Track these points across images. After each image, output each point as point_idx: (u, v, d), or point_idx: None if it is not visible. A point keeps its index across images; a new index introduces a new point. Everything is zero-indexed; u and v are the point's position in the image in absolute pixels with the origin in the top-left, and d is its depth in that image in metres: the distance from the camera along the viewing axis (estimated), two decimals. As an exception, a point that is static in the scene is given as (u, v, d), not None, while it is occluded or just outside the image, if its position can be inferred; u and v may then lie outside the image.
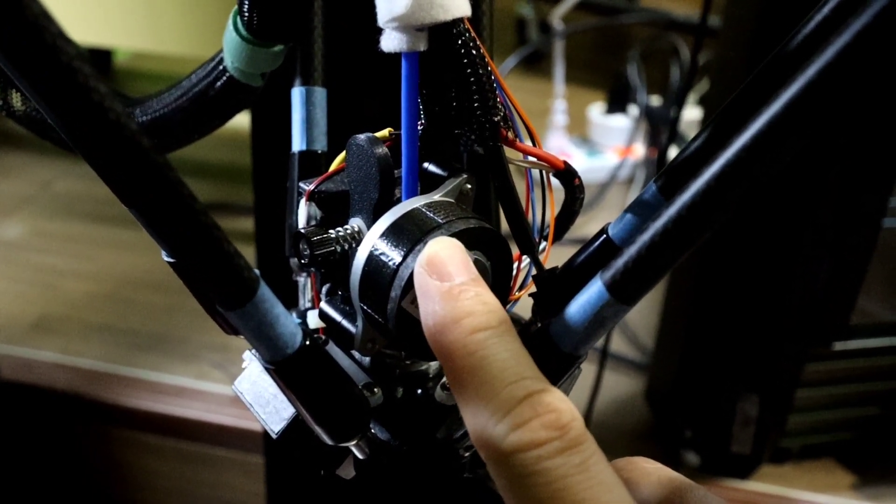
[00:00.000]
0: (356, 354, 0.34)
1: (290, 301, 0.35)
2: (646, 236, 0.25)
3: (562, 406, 0.23)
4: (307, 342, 0.28)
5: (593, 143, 1.50)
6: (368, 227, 0.30)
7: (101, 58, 1.66)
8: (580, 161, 1.45)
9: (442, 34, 0.28)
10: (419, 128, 0.31)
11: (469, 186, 0.31)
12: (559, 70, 1.44)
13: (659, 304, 0.99)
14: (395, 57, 0.28)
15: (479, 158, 0.30)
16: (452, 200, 0.30)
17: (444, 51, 0.28)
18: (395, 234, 0.28)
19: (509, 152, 0.30)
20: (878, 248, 0.80)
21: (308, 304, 0.36)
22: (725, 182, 0.23)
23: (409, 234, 0.28)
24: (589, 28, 1.79)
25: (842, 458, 0.96)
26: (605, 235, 0.32)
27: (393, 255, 0.28)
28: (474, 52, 0.28)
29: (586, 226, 1.29)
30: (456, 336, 0.24)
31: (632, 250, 0.25)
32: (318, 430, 0.30)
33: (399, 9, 0.26)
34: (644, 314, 1.12)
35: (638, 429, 1.01)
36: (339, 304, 0.32)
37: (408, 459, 0.33)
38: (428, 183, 0.31)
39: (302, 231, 0.30)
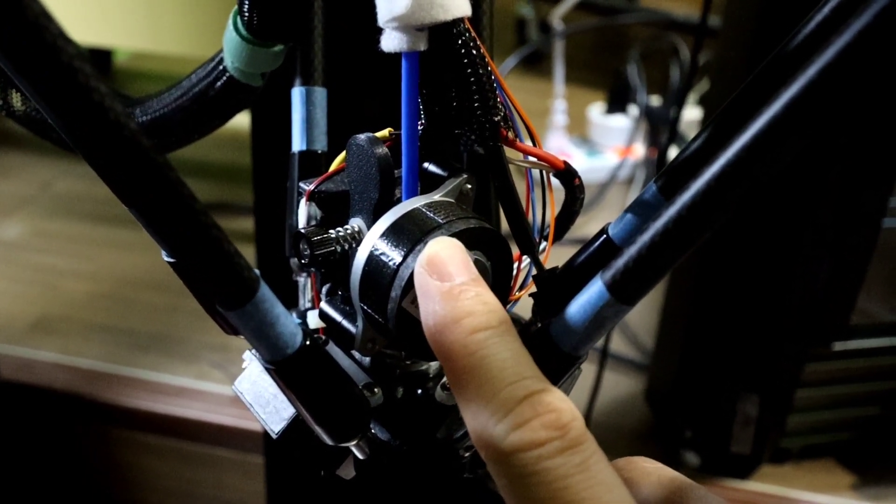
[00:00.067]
0: (356, 354, 0.34)
1: (290, 301, 0.35)
2: (646, 236, 0.25)
3: (562, 406, 0.23)
4: (307, 342, 0.28)
5: (593, 143, 1.50)
6: (368, 227, 0.30)
7: (101, 58, 1.66)
8: (580, 161, 1.45)
9: (442, 34, 0.28)
10: (419, 128, 0.31)
11: (469, 186, 0.31)
12: (559, 70, 1.44)
13: (659, 304, 0.99)
14: (395, 57, 0.28)
15: (479, 158, 0.30)
16: (452, 200, 0.30)
17: (445, 51, 0.28)
18: (395, 234, 0.28)
19: (509, 152, 0.30)
20: (878, 248, 0.80)
21: (308, 304, 0.36)
22: (726, 182, 0.23)
23: (410, 234, 0.28)
24: (589, 28, 1.79)
25: (842, 459, 0.96)
26: (605, 235, 0.32)
27: (393, 255, 0.28)
28: (474, 51, 0.28)
29: (586, 226, 1.29)
30: (456, 336, 0.24)
31: (632, 250, 0.25)
32: (318, 430, 0.30)
33: (399, 9, 0.26)
34: (644, 314, 1.12)
35: (638, 429, 1.01)
36: (339, 304, 0.32)
37: (408, 459, 0.33)
38: (428, 183, 0.31)
39: (302, 231, 0.30)
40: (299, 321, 0.34)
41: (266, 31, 0.39)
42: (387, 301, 0.28)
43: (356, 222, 0.31)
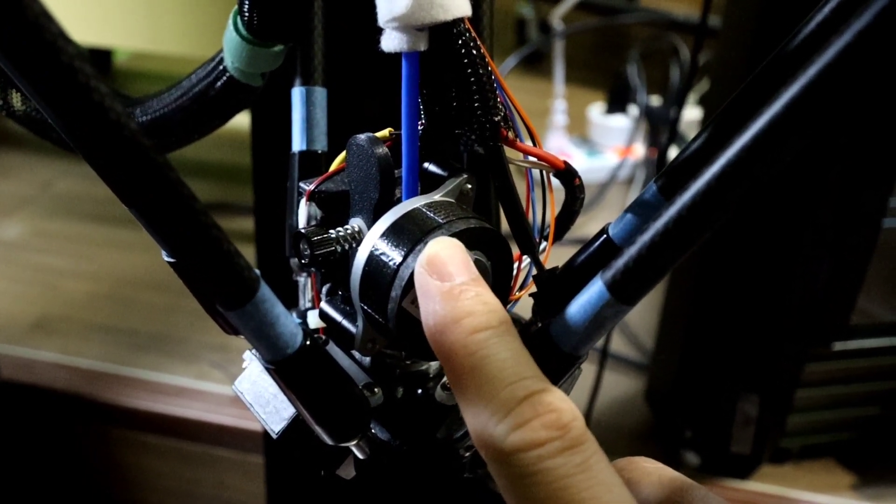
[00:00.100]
0: (356, 354, 0.34)
1: (291, 301, 0.35)
2: (646, 236, 0.25)
3: (562, 406, 0.23)
4: (307, 342, 0.28)
5: (593, 143, 1.50)
6: (369, 227, 0.30)
7: (101, 58, 1.66)
8: (580, 161, 1.45)
9: (442, 34, 0.28)
10: (419, 128, 0.31)
11: (469, 186, 0.31)
12: (559, 70, 1.44)
13: (659, 304, 0.99)
14: (395, 57, 0.28)
15: (479, 158, 0.30)
16: (453, 200, 0.30)
17: (445, 51, 0.28)
18: (395, 234, 0.28)
19: (509, 152, 0.30)
20: (879, 248, 0.80)
21: (308, 304, 0.36)
22: (726, 182, 0.23)
23: (410, 234, 0.28)
24: (589, 28, 1.79)
25: (842, 458, 0.96)
26: (605, 235, 0.32)
27: (393, 255, 0.28)
28: (475, 51, 0.28)
29: (586, 226, 1.29)
30: (456, 336, 0.24)
31: (632, 250, 0.25)
32: (318, 430, 0.30)
33: (399, 9, 0.26)
34: (644, 314, 1.12)
35: (638, 429, 1.01)
36: (339, 304, 0.32)
37: (408, 459, 0.33)
38: (428, 183, 0.31)
39: (302, 231, 0.30)
40: (299, 321, 0.34)
41: (266, 31, 0.39)
42: (387, 301, 0.28)
43: (356, 222, 0.31)
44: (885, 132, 0.74)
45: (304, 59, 0.40)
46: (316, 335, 0.33)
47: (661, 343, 0.99)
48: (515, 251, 0.31)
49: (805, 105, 0.22)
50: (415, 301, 0.27)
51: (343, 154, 0.32)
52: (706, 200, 0.24)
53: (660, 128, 1.44)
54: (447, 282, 0.25)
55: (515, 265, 0.32)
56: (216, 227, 0.24)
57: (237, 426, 0.98)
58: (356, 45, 0.38)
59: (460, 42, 0.28)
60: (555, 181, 0.32)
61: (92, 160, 0.22)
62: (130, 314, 1.15)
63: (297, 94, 0.40)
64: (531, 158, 0.31)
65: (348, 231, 0.30)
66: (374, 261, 0.28)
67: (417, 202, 0.29)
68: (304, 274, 0.36)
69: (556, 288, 0.31)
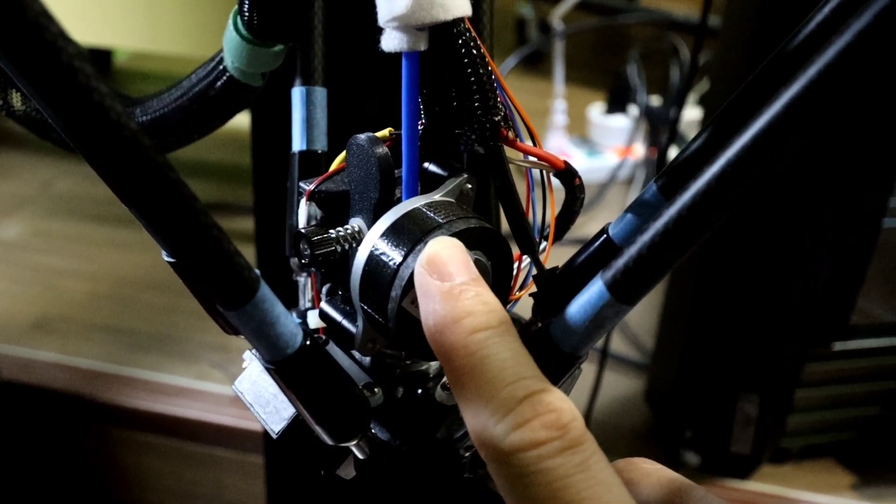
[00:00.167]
0: (356, 354, 0.34)
1: (291, 301, 0.35)
2: (646, 236, 0.25)
3: (562, 406, 0.23)
4: (307, 342, 0.28)
5: (593, 143, 1.50)
6: (369, 227, 0.30)
7: (101, 58, 1.66)
8: (580, 161, 1.45)
9: (442, 34, 0.28)
10: (419, 127, 0.31)
11: (469, 186, 0.31)
12: (559, 70, 1.44)
13: (659, 304, 0.99)
14: (395, 57, 0.28)
15: (479, 158, 0.30)
16: (453, 200, 0.30)
17: (445, 50, 0.28)
18: (395, 233, 0.28)
19: (510, 152, 0.30)
20: (879, 248, 0.80)
21: (308, 304, 0.36)
22: (726, 182, 0.23)
23: (410, 233, 0.28)
24: (589, 28, 1.79)
25: (842, 459, 0.96)
26: (605, 235, 0.32)
27: (393, 255, 0.28)
28: (475, 51, 0.28)
29: (586, 226, 1.29)
30: (456, 336, 0.24)
31: (632, 250, 0.25)
32: (318, 430, 0.30)
33: (399, 8, 0.26)
34: (644, 314, 1.12)
35: (638, 429, 1.01)
36: (339, 304, 0.32)
37: (408, 459, 0.33)
38: (428, 183, 0.31)
39: (302, 231, 0.30)
40: (299, 321, 0.34)
41: (266, 31, 0.39)
42: (387, 301, 0.28)
43: (356, 222, 0.31)
44: (886, 132, 0.74)
45: (304, 59, 0.40)
46: (316, 335, 0.33)
47: (661, 343, 0.99)
48: (515, 251, 0.31)
49: (805, 105, 0.22)
50: (415, 301, 0.27)
51: (343, 154, 0.32)
52: (706, 200, 0.24)
53: (660, 128, 1.44)
54: (447, 281, 0.25)
55: (515, 265, 0.32)
56: (216, 227, 0.24)
57: (237, 426, 0.98)
58: (356, 45, 0.38)
59: (460, 42, 0.28)
60: (555, 181, 0.32)
61: (92, 160, 0.22)
62: (130, 314, 1.15)
63: (297, 93, 0.40)
64: (531, 158, 0.31)
65: (348, 231, 0.30)
66: (374, 261, 0.28)
67: (417, 202, 0.29)
68: (304, 274, 0.36)
69: (556, 288, 0.31)
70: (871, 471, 0.95)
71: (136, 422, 1.01)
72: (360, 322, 0.30)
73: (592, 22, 1.78)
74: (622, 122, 1.47)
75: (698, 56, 0.83)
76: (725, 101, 0.31)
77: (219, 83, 0.42)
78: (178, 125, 0.44)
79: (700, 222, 0.24)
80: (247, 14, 0.39)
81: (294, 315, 0.34)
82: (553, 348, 0.27)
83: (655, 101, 1.48)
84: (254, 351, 0.31)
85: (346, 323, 0.31)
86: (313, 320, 0.34)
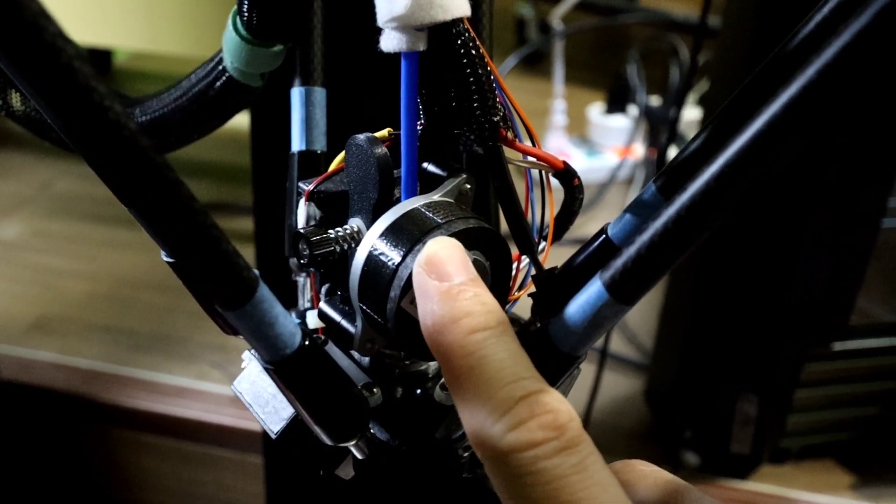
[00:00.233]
0: (355, 354, 0.34)
1: (290, 301, 0.35)
2: (645, 236, 0.25)
3: (559, 406, 0.23)
4: (306, 342, 0.28)
5: (593, 143, 1.50)
6: (368, 227, 0.30)
7: (100, 58, 1.66)
8: (580, 161, 1.45)
9: (441, 34, 0.28)
10: (419, 128, 0.31)
11: (468, 186, 0.31)
12: (559, 70, 1.44)
13: (658, 304, 0.99)
14: (394, 57, 0.28)
15: (478, 158, 0.30)
16: (452, 200, 0.30)
17: (444, 51, 0.28)
18: (394, 234, 0.28)
19: (509, 152, 0.30)
20: (878, 248, 0.80)
21: (307, 304, 0.36)
22: (725, 182, 0.23)
23: (409, 234, 0.28)
24: (589, 28, 1.79)
25: (841, 459, 0.96)
26: (604, 235, 0.32)
27: (392, 255, 0.28)
28: (474, 52, 0.28)
29: (586, 226, 1.29)
30: (454, 336, 0.24)
31: (631, 250, 0.25)
32: (317, 430, 0.30)
33: (399, 9, 0.26)
34: (643, 314, 1.12)
35: (637, 429, 1.01)
36: (338, 304, 0.32)
37: (407, 459, 0.33)
38: (427, 183, 0.31)
39: (301, 231, 0.30)
40: (298, 321, 0.34)
41: (265, 31, 0.39)
42: (386, 301, 0.28)
43: (355, 222, 0.31)
44: (884, 132, 0.74)
45: (304, 60, 0.40)
46: (315, 335, 0.33)
47: (660, 343, 0.99)
48: (514, 251, 0.31)
49: (804, 105, 0.22)
50: (413, 301, 0.27)
51: (342, 154, 0.32)
52: (705, 200, 0.24)
53: (659, 128, 1.44)
54: (445, 282, 0.25)
55: (514, 265, 0.32)
56: (215, 227, 0.24)
57: (237, 426, 0.98)
58: (355, 45, 0.38)
59: (459, 42, 0.28)
60: (554, 181, 0.32)
61: (91, 160, 0.22)
62: (130, 314, 1.15)
63: (296, 94, 0.40)
64: (530, 158, 0.31)
65: (347, 231, 0.30)
66: (372, 261, 0.28)
67: (416, 202, 0.29)
68: (304, 274, 0.36)
69: (555, 288, 0.31)
70: (871, 471, 0.95)
71: (136, 422, 1.01)
72: (358, 322, 0.30)
73: (592, 22, 1.78)
74: (622, 122, 1.47)
75: (698, 56, 0.83)
76: (725, 101, 0.31)
77: (218, 83, 0.42)
78: (178, 125, 0.44)
79: (699, 222, 0.24)
80: (246, 14, 0.39)
81: (293, 315, 0.34)
82: (552, 348, 0.27)
83: (655, 101, 1.48)
84: (253, 351, 0.31)
85: (344, 323, 0.31)
86: (312, 320, 0.34)
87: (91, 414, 1.02)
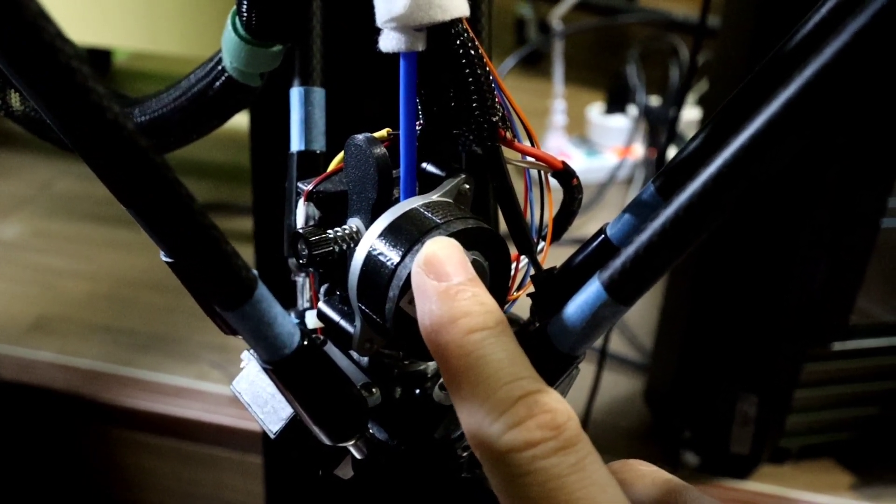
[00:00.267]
0: (354, 354, 0.34)
1: (289, 301, 0.35)
2: (643, 236, 0.25)
3: (557, 406, 0.23)
4: (305, 342, 0.28)
5: (592, 144, 1.50)
6: (367, 227, 0.30)
7: (100, 58, 1.66)
8: (579, 161, 1.45)
9: (440, 34, 0.28)
10: (417, 128, 0.31)
11: (467, 186, 0.31)
12: (558, 70, 1.44)
13: (658, 304, 0.99)
14: (393, 57, 0.28)
15: (477, 158, 0.30)
16: (451, 200, 0.30)
17: (443, 51, 0.28)
18: (393, 234, 0.28)
19: (507, 152, 0.30)
20: (878, 248, 0.80)
21: (306, 304, 0.36)
22: (723, 182, 0.23)
23: (408, 234, 0.28)
24: (588, 28, 1.79)
25: (841, 459, 0.96)
26: (603, 235, 0.32)
27: (391, 255, 0.28)
28: (472, 52, 0.28)
29: (586, 226, 1.29)
30: (452, 336, 0.24)
31: (629, 250, 0.25)
32: (316, 430, 0.30)
33: (397, 9, 0.27)
34: (643, 314, 1.12)
35: (637, 429, 1.01)
36: (337, 305, 0.32)
37: (406, 459, 0.33)
38: (426, 183, 0.31)
39: (300, 231, 0.30)
40: (297, 321, 0.34)
41: (264, 32, 0.39)
42: (384, 301, 0.28)
43: (354, 222, 0.31)
44: (884, 132, 0.74)
45: (303, 60, 0.40)
46: (314, 335, 0.33)
47: (660, 343, 0.99)
48: (513, 251, 0.31)
49: (802, 105, 0.22)
50: (412, 301, 0.27)
51: (341, 154, 0.32)
52: (703, 200, 0.24)
53: (659, 128, 1.44)
54: (444, 282, 0.25)
55: (513, 265, 0.32)
56: (214, 228, 0.24)
57: (236, 426, 0.98)
58: (355, 46, 0.38)
59: (458, 42, 0.28)
60: (553, 181, 0.32)
61: (90, 160, 0.22)
62: (130, 314, 1.15)
63: (295, 94, 0.40)
64: (529, 158, 0.31)
65: (346, 231, 0.30)
66: (371, 261, 0.28)
67: (415, 202, 0.29)
68: (303, 274, 0.36)
69: (554, 288, 0.31)
70: (870, 471, 0.95)
71: (136, 422, 1.01)
72: (357, 322, 0.30)
73: (592, 22, 1.78)
74: (621, 123, 1.47)
75: (697, 56, 0.83)
76: (724, 101, 0.31)
77: (217, 83, 0.42)
78: (177, 125, 0.44)
79: (697, 222, 0.24)
80: (245, 14, 0.39)
81: (292, 315, 0.34)
82: (550, 348, 0.27)
83: (655, 101, 1.48)
84: (251, 351, 0.31)
85: (343, 323, 0.31)
86: (311, 320, 0.34)
87: (91, 414, 1.02)
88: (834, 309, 0.83)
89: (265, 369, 0.29)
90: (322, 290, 0.33)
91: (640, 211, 0.31)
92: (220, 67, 0.41)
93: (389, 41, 0.28)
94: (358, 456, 0.33)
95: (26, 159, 1.49)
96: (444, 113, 0.30)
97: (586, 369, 0.94)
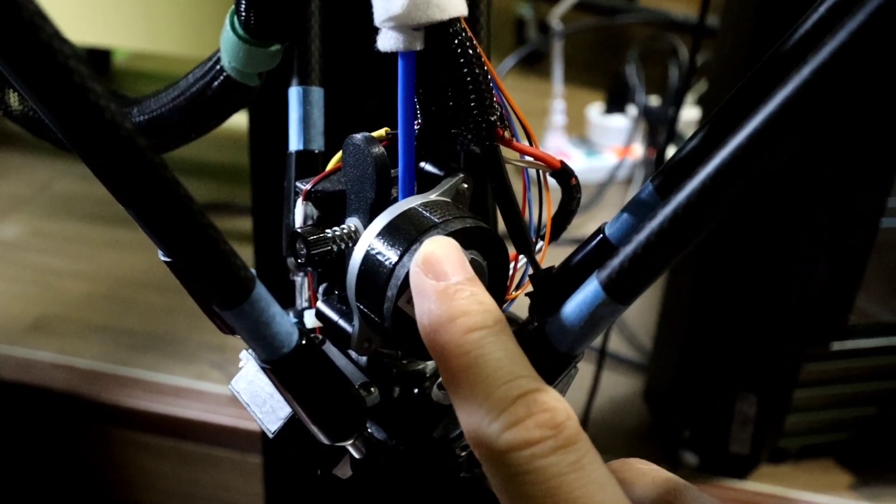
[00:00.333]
0: (353, 354, 0.34)
1: (288, 301, 0.35)
2: (642, 236, 0.25)
3: (556, 405, 0.23)
4: (303, 342, 0.28)
5: (592, 143, 1.50)
6: (365, 227, 0.30)
7: (99, 58, 1.66)
8: (579, 161, 1.45)
9: (438, 34, 0.28)
10: (416, 127, 0.31)
11: (465, 186, 0.31)
12: (558, 70, 1.44)
13: (657, 303, 0.99)
14: (391, 56, 0.28)
15: (475, 158, 0.30)
16: (449, 200, 0.30)
17: (441, 50, 0.28)
18: (391, 233, 0.28)
19: (506, 152, 0.30)
20: (877, 247, 0.80)
21: (305, 304, 0.36)
22: (721, 181, 0.23)
23: (406, 233, 0.28)
24: (588, 28, 1.79)
25: (840, 458, 0.96)
26: (601, 235, 0.32)
27: (389, 255, 0.28)
28: (471, 51, 0.28)
29: (585, 225, 1.29)
30: (451, 335, 0.24)
31: (628, 250, 0.25)
32: (314, 429, 0.30)
33: (396, 8, 0.27)
34: (642, 314, 1.12)
35: (636, 429, 1.01)
36: (335, 304, 0.32)
37: (404, 459, 0.33)
38: (424, 182, 0.31)
39: (298, 230, 0.30)
40: (296, 321, 0.34)
41: (263, 31, 0.39)
42: (383, 300, 0.28)
43: (353, 222, 0.31)
44: (882, 131, 0.74)
45: (301, 59, 0.40)
46: (312, 335, 0.33)
47: (659, 343, 0.99)
48: (512, 251, 0.31)
49: (801, 104, 0.22)
50: (410, 300, 0.27)
51: (339, 154, 0.32)
52: (702, 200, 0.24)
53: (658, 128, 1.44)
54: (442, 281, 0.25)
55: (512, 265, 0.32)
56: (212, 227, 0.24)
57: (236, 426, 0.98)
58: (353, 45, 0.38)
59: (456, 42, 0.28)
60: (552, 181, 0.32)
61: (88, 160, 0.22)
62: (129, 314, 1.15)
63: (293, 93, 0.40)
64: (527, 158, 0.31)
65: (344, 230, 0.30)
66: (370, 260, 0.28)
67: (413, 202, 0.29)
68: (301, 273, 0.36)
69: (553, 287, 0.31)
70: (870, 471, 0.95)
71: (136, 422, 1.01)
72: (356, 321, 0.30)
73: (591, 22, 1.78)
74: (621, 122, 1.47)
75: (697, 56, 0.83)
76: (723, 100, 0.31)
77: (216, 83, 0.42)
78: (176, 125, 0.44)
79: (696, 221, 0.24)
80: (243, 14, 0.39)
81: (291, 315, 0.34)
82: (548, 348, 0.27)
83: (654, 101, 1.48)
84: (250, 350, 0.31)
85: (342, 322, 0.31)
86: (310, 320, 0.34)
87: (90, 414, 1.02)
88: (833, 308, 0.83)
89: (263, 368, 0.29)
90: (320, 289, 0.33)
91: (639, 210, 0.31)
92: (218, 67, 0.41)
93: (387, 41, 0.28)
94: (356, 455, 0.33)
95: (26, 159, 1.49)
96: (442, 112, 0.30)
97: (585, 369, 0.94)
